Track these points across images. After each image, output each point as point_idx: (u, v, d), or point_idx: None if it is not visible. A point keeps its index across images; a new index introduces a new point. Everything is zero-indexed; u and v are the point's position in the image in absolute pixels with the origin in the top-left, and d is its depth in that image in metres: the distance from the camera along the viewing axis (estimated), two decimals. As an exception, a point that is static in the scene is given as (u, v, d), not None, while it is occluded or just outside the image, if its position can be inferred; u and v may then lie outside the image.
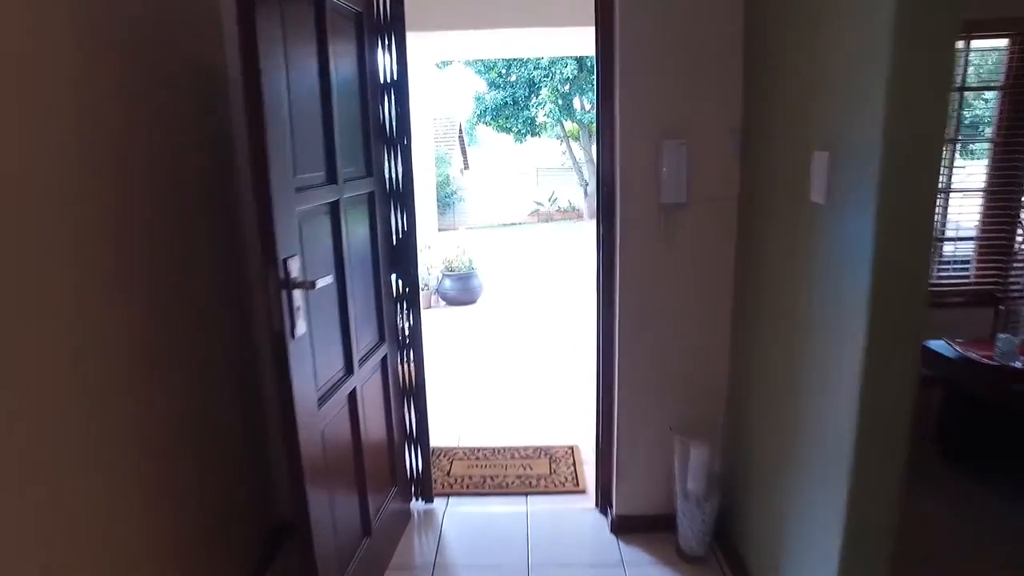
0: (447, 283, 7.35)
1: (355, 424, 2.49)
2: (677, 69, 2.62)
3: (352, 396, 2.47)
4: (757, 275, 2.55)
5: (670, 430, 2.88)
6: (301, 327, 1.98)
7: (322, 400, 2.18)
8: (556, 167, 28.08)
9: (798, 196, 2.11)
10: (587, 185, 22.16)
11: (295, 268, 1.95)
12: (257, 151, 1.81)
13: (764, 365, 2.48)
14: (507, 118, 21.43)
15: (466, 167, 33.97)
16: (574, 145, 23.79)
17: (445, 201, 23.16)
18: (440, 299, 7.44)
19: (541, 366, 5.43)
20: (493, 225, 23.52)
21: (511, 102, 20.52)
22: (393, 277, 2.97)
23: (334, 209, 2.30)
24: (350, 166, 2.49)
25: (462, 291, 7.36)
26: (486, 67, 20.28)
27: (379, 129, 2.78)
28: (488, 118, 21.36)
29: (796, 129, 2.16)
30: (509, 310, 7.24)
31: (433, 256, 7.30)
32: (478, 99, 21.02)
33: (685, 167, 2.64)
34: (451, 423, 4.35)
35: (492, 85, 20.76)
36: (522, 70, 19.52)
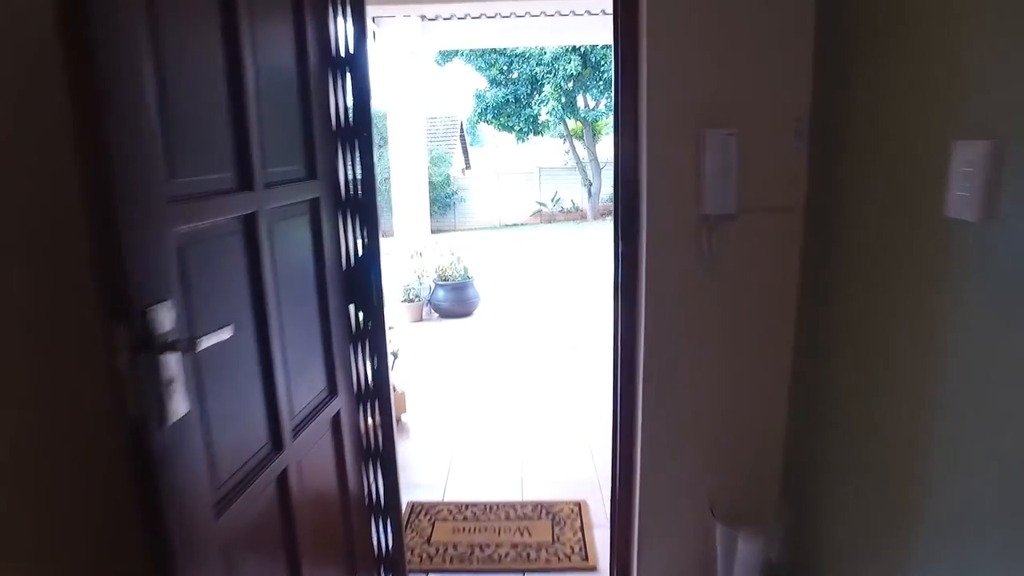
0: (440, 294, 6.69)
1: (287, 516, 1.82)
2: (722, 35, 1.95)
3: (283, 479, 1.79)
4: (838, 319, 1.86)
5: (711, 513, 2.20)
6: (179, 407, 1.31)
7: (225, 502, 1.51)
8: (559, 167, 27.46)
9: (919, 208, 1.43)
10: (591, 185, 21.46)
11: (167, 320, 1.28)
12: (87, 139, 1.14)
13: (857, 444, 1.79)
14: (509, 116, 20.74)
15: (467, 167, 33.34)
16: (577, 144, 23.09)
17: (445, 202, 22.51)
18: (433, 311, 6.79)
19: (544, 393, 4.76)
20: (495, 226, 22.85)
21: (513, 100, 19.83)
22: (352, 308, 2.30)
23: (249, 225, 1.63)
24: (281, 165, 1.82)
25: (457, 302, 6.70)
26: (487, 63, 19.60)
27: (326, 118, 2.11)
28: (489, 116, 20.66)
29: (915, 109, 1.48)
30: (509, 324, 6.57)
31: (425, 264, 6.65)
32: (479, 96, 20.32)
33: (734, 165, 1.96)
34: (437, 463, 3.69)
35: (493, 82, 20.07)
36: (524, 66, 18.83)
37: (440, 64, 21.30)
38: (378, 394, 2.40)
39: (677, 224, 2.05)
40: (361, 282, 2.28)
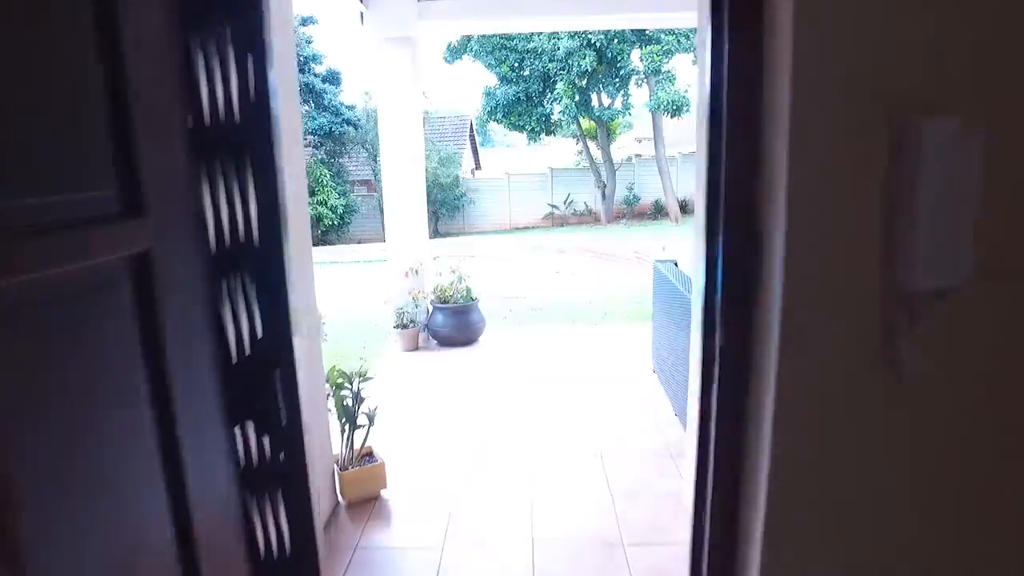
0: (439, 318, 5.70)
1: None
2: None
3: None
4: None
5: None
6: None
7: None
8: (572, 168, 26.45)
9: None
10: (604, 187, 20.43)
11: None
12: None
13: None
14: (520, 115, 19.74)
15: (477, 167, 32.36)
16: (591, 144, 22.07)
17: (454, 203, 21.56)
18: (431, 338, 5.80)
19: (559, 447, 3.78)
20: (505, 229, 21.89)
21: (524, 98, 18.83)
22: (250, 433, 1.32)
23: None
24: (46, 190, 0.85)
25: (458, 328, 5.70)
26: (497, 60, 18.60)
27: (173, 106, 1.13)
28: (499, 115, 19.65)
29: None
30: (517, 354, 5.54)
31: (423, 282, 5.68)
32: (488, 94, 19.32)
33: (974, 189, 0.98)
34: (425, 559, 2.70)
35: (504, 79, 19.08)
36: (536, 63, 17.82)
37: (449, 62, 20.37)
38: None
39: (840, 303, 1.06)
40: (260, 387, 1.31)
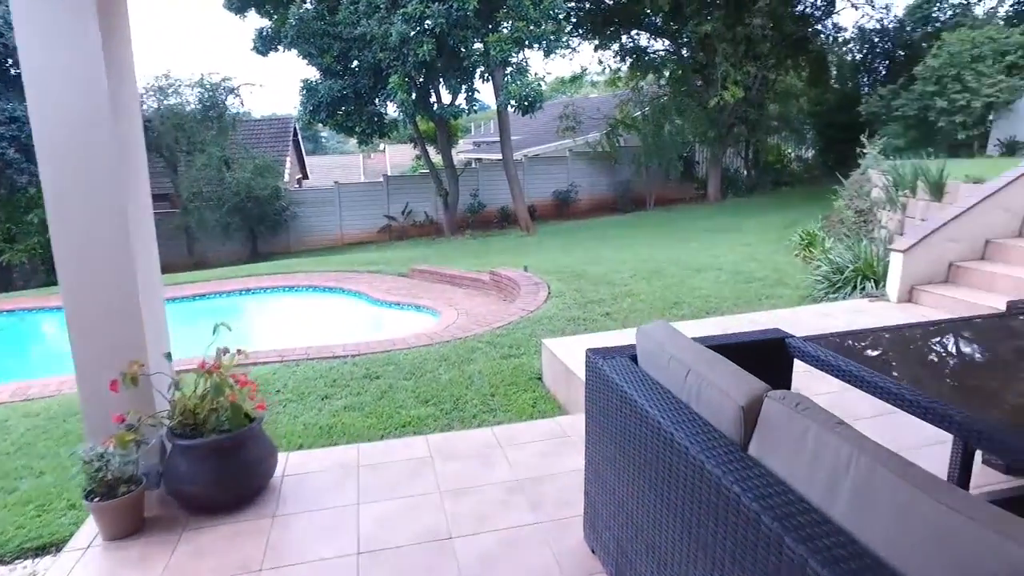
0: (182, 466, 2.79)
1: None
2: None
3: None
4: None
5: None
6: None
7: None
8: (410, 175, 23.65)
9: None
10: (447, 195, 17.87)
11: None
12: None
13: None
14: (348, 115, 16.59)
15: (304, 176, 28.48)
16: (431, 149, 19.45)
17: (274, 219, 17.88)
18: (174, 499, 2.83)
19: None
20: (337, 246, 18.61)
21: (352, 94, 15.71)
22: None
23: None
24: None
25: (223, 478, 2.76)
26: (318, 49, 15.34)
27: None
28: (323, 115, 16.35)
29: None
30: (345, 526, 2.83)
31: (151, 397, 2.73)
32: (308, 90, 15.94)
33: None
34: None
35: (328, 72, 15.84)
36: (365, 53, 14.80)
37: (261, 53, 16.73)
38: None
39: None
40: None
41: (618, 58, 19.83)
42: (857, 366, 2.26)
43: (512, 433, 3.64)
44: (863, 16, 31.74)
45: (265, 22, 16.15)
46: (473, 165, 22.02)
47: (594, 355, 2.36)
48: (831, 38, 19.15)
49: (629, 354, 2.35)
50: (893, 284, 6.05)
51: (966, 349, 2.69)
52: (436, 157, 19.49)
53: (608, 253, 11.05)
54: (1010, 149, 12.29)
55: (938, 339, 2.70)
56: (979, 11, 16.68)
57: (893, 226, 7.93)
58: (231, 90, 18.65)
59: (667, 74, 19.42)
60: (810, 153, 22.04)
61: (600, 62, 20.61)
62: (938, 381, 2.37)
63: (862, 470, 1.36)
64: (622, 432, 2.08)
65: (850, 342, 2.57)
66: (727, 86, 16.30)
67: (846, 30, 19.17)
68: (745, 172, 20.91)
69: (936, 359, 2.61)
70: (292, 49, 15.65)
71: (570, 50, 18.22)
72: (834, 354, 2.37)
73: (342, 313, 9.56)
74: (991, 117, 12.75)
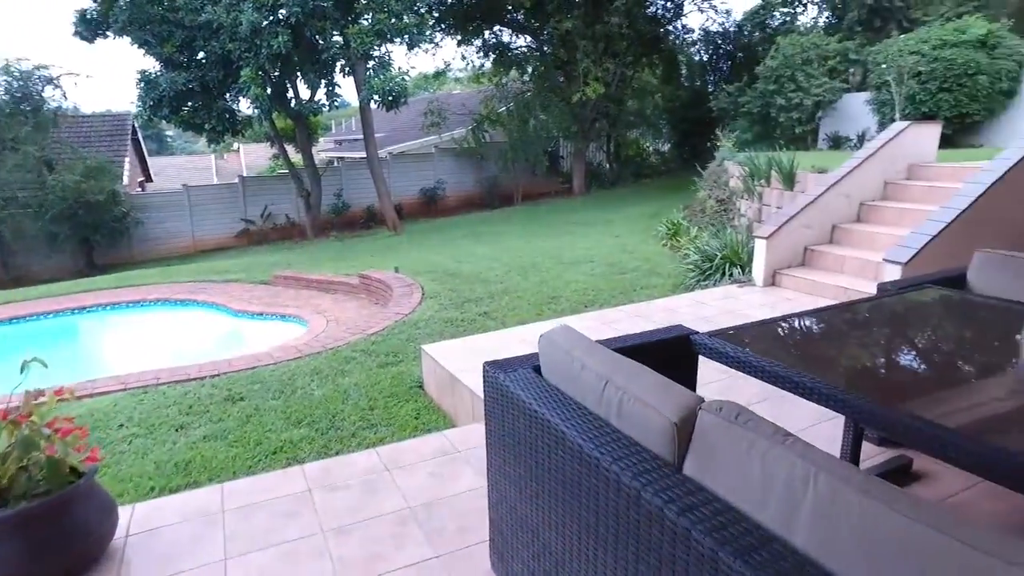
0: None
1: None
2: None
3: None
4: None
5: None
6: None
7: None
8: (268, 175, 22.25)
9: None
10: (308, 195, 16.88)
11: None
12: None
13: None
14: (195, 110, 15.19)
15: (147, 179, 25.89)
16: (289, 147, 18.32)
17: (112, 227, 16.01)
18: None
19: None
20: (190, 254, 17.03)
21: (199, 88, 14.37)
22: None
23: None
24: None
25: (44, 553, 2.13)
26: (157, 37, 13.86)
27: None
28: (166, 111, 14.83)
29: None
30: None
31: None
32: (147, 82, 14.39)
33: None
34: None
35: (169, 64, 14.37)
36: (213, 43, 13.56)
37: (87, 39, 14.85)
38: None
39: None
40: None
41: (481, 54, 19.75)
42: (756, 358, 2.18)
43: (399, 453, 3.29)
44: (707, 19, 34.08)
45: (88, 2, 14.30)
46: (336, 164, 21.07)
47: (493, 369, 2.10)
48: (680, 39, 20.22)
49: (532, 364, 2.11)
50: (758, 269, 6.32)
51: (856, 332, 2.72)
52: (295, 156, 18.39)
53: (480, 250, 10.86)
54: (835, 143, 13.51)
55: (829, 325, 2.70)
56: (803, 20, 18.30)
57: (752, 214, 8.37)
58: (49, 80, 16.35)
59: (530, 70, 19.59)
60: (666, 146, 23.18)
61: (464, 58, 20.42)
62: (832, 365, 2.35)
63: (822, 489, 1.19)
64: (532, 454, 1.83)
65: (748, 335, 2.49)
66: (588, 82, 16.68)
67: (693, 31, 20.33)
68: (608, 165, 21.61)
69: (828, 344, 2.61)
70: (124, 36, 14.02)
71: (433, 45, 17.87)
72: (739, 348, 2.28)
73: (197, 328, 8.63)
74: (819, 114, 13.95)
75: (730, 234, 7.46)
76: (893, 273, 4.98)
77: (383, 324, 6.19)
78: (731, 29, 19.48)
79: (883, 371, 2.34)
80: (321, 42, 13.06)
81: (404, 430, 4.07)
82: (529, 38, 19.34)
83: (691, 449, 1.47)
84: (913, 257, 4.92)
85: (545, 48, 18.46)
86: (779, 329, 2.55)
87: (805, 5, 18.12)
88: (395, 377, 4.90)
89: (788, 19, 18.14)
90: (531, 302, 6.95)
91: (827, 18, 17.02)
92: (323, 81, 14.48)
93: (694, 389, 2.50)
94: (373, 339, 5.76)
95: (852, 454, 2.67)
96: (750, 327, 2.51)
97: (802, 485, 1.22)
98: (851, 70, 14.11)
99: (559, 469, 1.69)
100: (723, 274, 6.84)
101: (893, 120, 11.93)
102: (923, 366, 2.39)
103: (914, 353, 2.52)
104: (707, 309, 5.66)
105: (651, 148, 23.82)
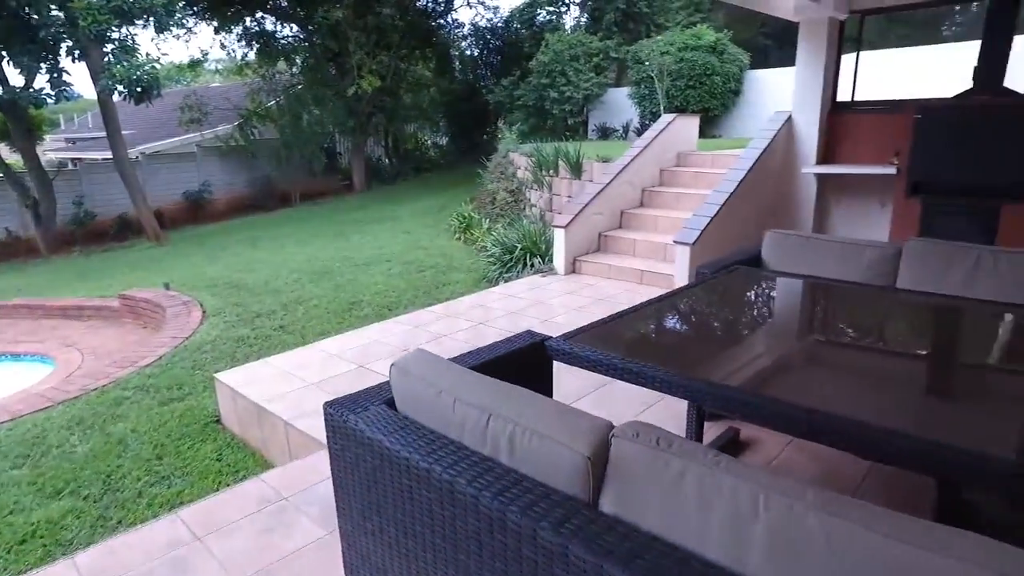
0: None
1: None
2: None
3: None
4: None
5: None
6: None
7: None
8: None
9: None
10: (36, 205, 14.09)
11: None
12: None
13: None
14: None
15: None
16: (2, 146, 15.11)
17: None
18: None
19: None
20: None
21: None
22: None
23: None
24: None
25: None
26: None
27: None
28: None
29: None
30: None
31: None
32: None
33: None
34: None
35: None
36: None
37: None
38: None
39: None
40: None
41: (243, 43, 18.04)
42: (608, 356, 2.09)
43: (209, 512, 2.71)
44: (477, 15, 34.92)
45: None
46: (72, 166, 17.92)
47: (337, 410, 1.73)
48: (452, 33, 20.35)
49: (382, 399, 1.77)
50: (559, 258, 6.48)
51: (693, 317, 2.77)
52: (13, 157, 15.26)
53: (262, 256, 9.91)
54: (604, 133, 14.60)
55: (667, 313, 2.72)
56: (567, 19, 19.46)
57: (543, 204, 8.62)
58: None
59: (300, 62, 18.35)
60: (444, 140, 23.30)
61: (223, 46, 18.48)
62: (676, 352, 2.37)
63: (776, 512, 1.06)
64: (407, 509, 1.52)
65: (598, 335, 2.40)
66: (363, 75, 16.06)
67: (464, 25, 20.57)
68: (387, 160, 21.14)
69: (669, 332, 2.62)
70: None
71: (186, 30, 15.83)
72: (591, 349, 2.16)
73: None
74: (588, 107, 14.96)
75: (527, 225, 7.59)
76: (683, 254, 5.37)
77: (159, 352, 5.27)
78: (499, 25, 20.08)
79: (717, 350, 2.40)
80: (35, 17, 10.81)
81: (206, 478, 3.44)
82: (296, 27, 18.08)
83: (607, 483, 1.27)
84: (698, 238, 5.34)
85: (315, 39, 17.38)
86: (624, 324, 2.49)
87: (568, 5, 19.27)
88: (184, 414, 4.16)
89: (554, 17, 19.16)
90: (330, 310, 6.44)
91: (585, 19, 18.28)
92: (43, 66, 12.07)
93: (551, 395, 2.35)
94: (149, 372, 4.86)
95: (696, 434, 2.73)
96: (597, 325, 2.42)
97: (750, 510, 1.08)
98: (611, 67, 15.31)
99: (447, 526, 1.40)
100: (525, 265, 6.92)
101: (653, 113, 13.19)
102: (748, 341, 2.50)
103: (739, 329, 2.63)
104: (518, 302, 5.65)
105: (430, 142, 23.80)
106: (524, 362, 2.21)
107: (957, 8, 13.65)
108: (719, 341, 2.52)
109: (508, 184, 10.17)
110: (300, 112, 17.43)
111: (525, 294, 5.91)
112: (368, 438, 1.57)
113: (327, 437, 1.75)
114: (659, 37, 13.89)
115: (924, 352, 2.45)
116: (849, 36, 6.36)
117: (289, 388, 3.83)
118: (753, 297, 3.02)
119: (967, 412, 1.86)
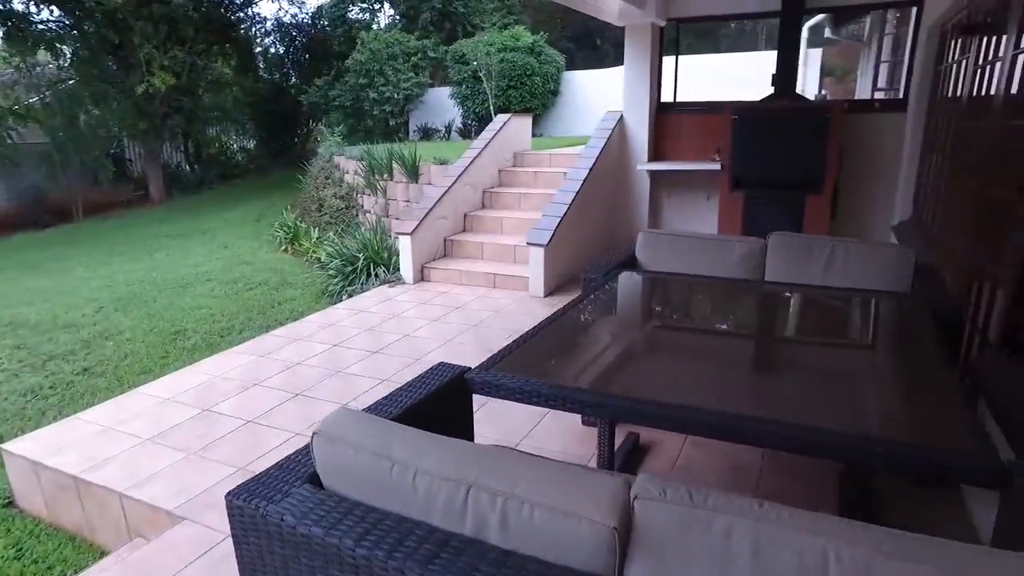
0: None
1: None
2: None
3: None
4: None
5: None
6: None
7: None
8: None
9: None
10: None
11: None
12: None
13: None
14: None
15: None
16: None
17: None
18: None
19: None
20: None
21: None
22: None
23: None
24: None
25: None
26: None
27: None
28: None
29: None
30: None
31: None
32: None
33: None
34: None
35: None
36: None
37: None
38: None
39: None
40: None
41: (-16, 27, 15.13)
42: (536, 384, 1.92)
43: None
44: (280, 9, 32.69)
45: None
46: None
47: (241, 500, 1.34)
48: (253, 28, 18.83)
49: (301, 476, 1.42)
50: (406, 266, 6.16)
51: (599, 329, 2.67)
52: None
53: (46, 284, 8.34)
54: (426, 134, 14.38)
55: (575, 326, 2.59)
56: (381, 17, 18.88)
57: (378, 209, 8.20)
58: None
59: (69, 53, 15.83)
60: (252, 143, 21.57)
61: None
62: (587, 367, 2.26)
63: (850, 565, 0.94)
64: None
65: (514, 362, 2.20)
66: (154, 71, 14.28)
67: (267, 20, 19.13)
68: (188, 167, 19.08)
69: (581, 347, 2.50)
70: None
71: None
72: (516, 378, 1.97)
73: None
74: (409, 107, 14.63)
75: (366, 233, 7.16)
76: (538, 255, 5.34)
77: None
78: (305, 21, 18.97)
79: (633, 360, 2.33)
80: None
81: (7, 583, 2.71)
82: (57, 11, 15.54)
83: (633, 553, 1.08)
84: (551, 239, 5.34)
85: (86, 26, 15.09)
86: (537, 346, 2.32)
87: (381, 3, 18.70)
88: (-41, 504, 3.27)
89: (367, 15, 18.49)
90: (148, 343, 5.56)
91: (400, 18, 17.85)
92: None
93: (472, 433, 2.11)
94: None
95: (609, 442, 2.64)
96: (510, 351, 2.21)
97: (819, 566, 0.95)
98: (428, 67, 15.11)
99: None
100: (368, 275, 6.51)
101: (476, 113, 13.21)
102: (658, 347, 2.45)
103: (650, 335, 2.58)
104: (371, 317, 5.26)
105: (236, 146, 21.89)
106: (444, 397, 1.94)
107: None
108: (632, 351, 2.45)
109: (337, 190, 9.58)
110: (76, 112, 15.08)
111: (376, 308, 5.52)
112: (303, 535, 1.23)
113: (237, 540, 1.36)
114: (479, 37, 13.95)
115: (815, 342, 2.57)
116: (672, 40, 6.76)
117: (116, 449, 3.15)
118: (648, 301, 3.01)
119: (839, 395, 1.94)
